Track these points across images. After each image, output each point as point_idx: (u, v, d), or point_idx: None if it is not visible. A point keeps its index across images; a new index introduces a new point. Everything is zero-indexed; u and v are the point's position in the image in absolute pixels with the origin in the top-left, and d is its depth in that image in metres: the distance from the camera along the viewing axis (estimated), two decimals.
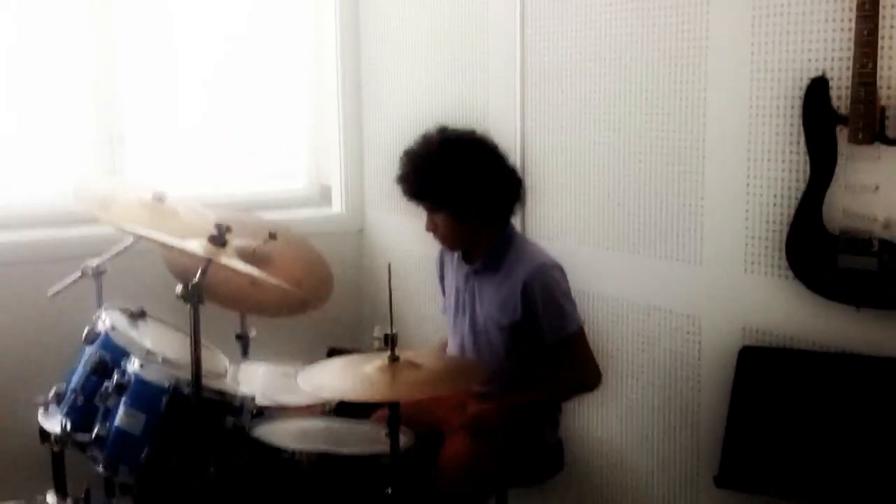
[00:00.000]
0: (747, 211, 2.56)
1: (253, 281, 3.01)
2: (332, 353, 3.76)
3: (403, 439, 2.40)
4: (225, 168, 4.01)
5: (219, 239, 2.36)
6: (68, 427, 2.50)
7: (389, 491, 2.35)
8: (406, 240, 3.77)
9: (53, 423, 2.56)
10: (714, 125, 2.63)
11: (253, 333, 3.29)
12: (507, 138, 3.00)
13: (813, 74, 2.32)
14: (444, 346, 2.96)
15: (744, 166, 2.55)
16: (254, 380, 3.04)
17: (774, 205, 2.49)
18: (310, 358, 3.32)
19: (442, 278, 2.96)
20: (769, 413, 2.29)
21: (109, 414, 2.49)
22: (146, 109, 3.77)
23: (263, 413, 2.72)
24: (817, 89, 2.30)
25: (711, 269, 2.67)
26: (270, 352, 3.32)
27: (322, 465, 2.46)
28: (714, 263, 2.67)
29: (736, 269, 2.60)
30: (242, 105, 4.03)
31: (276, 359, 3.24)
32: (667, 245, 2.79)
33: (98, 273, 2.95)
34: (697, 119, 2.67)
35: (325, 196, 4.20)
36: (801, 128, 2.35)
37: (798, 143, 2.40)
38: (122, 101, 3.69)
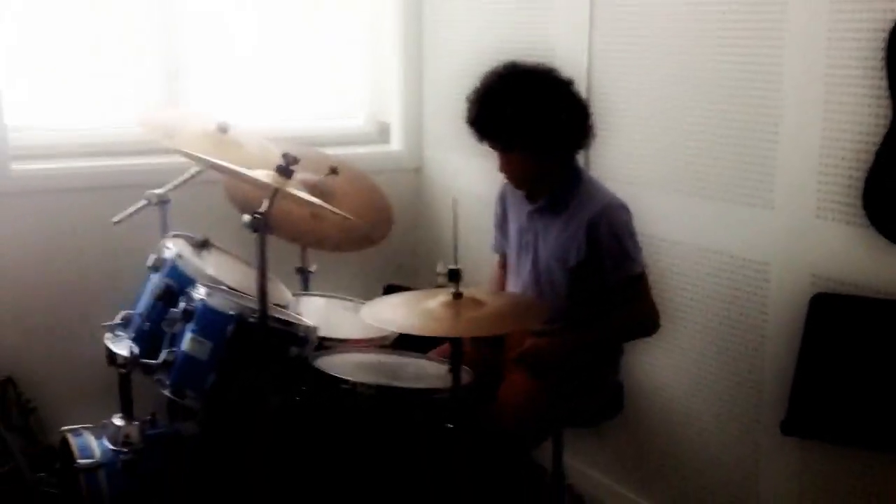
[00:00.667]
0: (821, 156, 2.49)
1: (314, 214, 3.03)
2: (389, 289, 3.80)
3: (463, 376, 2.41)
4: (283, 103, 4.00)
5: (286, 169, 2.35)
6: (136, 351, 2.54)
7: (449, 426, 2.36)
8: (464, 179, 3.75)
9: (121, 347, 2.60)
10: (791, 64, 2.55)
11: (313, 268, 3.32)
12: (572, 73, 2.94)
13: None
14: (496, 284, 2.94)
15: (820, 108, 2.47)
16: (312, 312, 3.07)
17: (851, 150, 2.42)
18: (367, 294, 3.36)
19: (503, 216, 2.92)
20: (839, 361, 2.25)
21: (176, 340, 2.52)
22: (206, 42, 3.76)
23: (324, 345, 2.74)
24: None
25: (782, 214, 2.62)
26: (329, 286, 3.35)
27: (381, 398, 2.48)
28: (785, 208, 2.61)
29: (807, 215, 2.54)
30: (302, 40, 4.00)
31: (334, 293, 3.27)
32: (737, 189, 2.74)
33: (162, 202, 2.97)
34: (774, 57, 2.58)
35: (382, 133, 4.17)
36: (884, 69, 2.27)
37: (879, 85, 2.33)
38: (182, 33, 3.68)
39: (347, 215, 2.51)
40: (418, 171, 4.11)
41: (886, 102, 2.29)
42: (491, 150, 2.71)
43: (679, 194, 2.92)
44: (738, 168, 2.73)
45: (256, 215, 2.25)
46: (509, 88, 2.60)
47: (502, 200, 2.92)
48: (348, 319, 3.09)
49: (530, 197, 2.77)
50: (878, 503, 2.47)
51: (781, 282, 2.64)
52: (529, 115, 2.58)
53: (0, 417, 3.22)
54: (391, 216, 3.24)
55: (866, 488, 2.50)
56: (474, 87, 2.67)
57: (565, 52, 3.23)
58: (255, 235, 2.33)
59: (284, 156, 2.37)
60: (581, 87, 3.11)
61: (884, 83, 2.28)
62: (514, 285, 2.85)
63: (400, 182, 3.93)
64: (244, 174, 2.36)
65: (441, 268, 2.39)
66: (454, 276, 2.34)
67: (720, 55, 2.74)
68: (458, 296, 2.34)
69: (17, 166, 3.36)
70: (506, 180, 2.79)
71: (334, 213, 2.46)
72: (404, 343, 2.90)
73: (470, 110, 2.66)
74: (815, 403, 2.25)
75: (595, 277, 2.65)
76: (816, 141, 2.50)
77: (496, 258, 3.02)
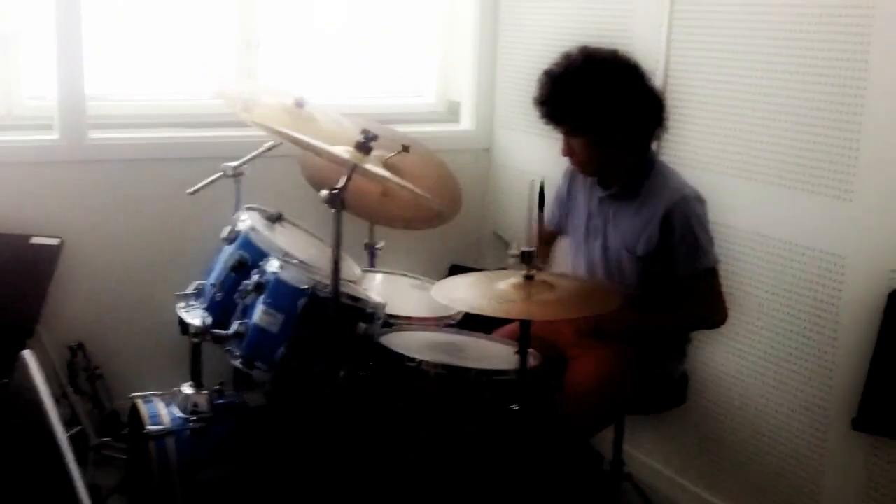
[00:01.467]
0: None
1: (385, 191, 3.04)
2: (455, 269, 3.81)
3: (531, 359, 2.41)
4: (355, 79, 4.01)
5: (365, 146, 2.36)
6: (208, 321, 2.58)
7: (515, 407, 2.36)
8: (533, 161, 3.73)
9: (193, 316, 2.64)
10: (878, 50, 2.48)
11: (381, 244, 3.34)
12: (650, 61, 2.90)
13: None
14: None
15: None
16: (378, 289, 3.09)
17: None
18: (432, 273, 3.37)
19: (568, 196, 2.89)
20: None
21: (247, 311, 2.55)
22: (282, 15, 3.79)
23: (390, 322, 2.76)
24: None
25: (861, 206, 2.56)
26: (395, 264, 3.37)
27: (447, 377, 2.49)
28: (865, 200, 2.55)
29: (888, 208, 2.49)
30: (376, 15, 4.01)
31: (401, 271, 3.28)
32: (815, 178, 2.68)
33: (237, 174, 3.00)
34: (860, 45, 2.52)
35: (452, 112, 4.17)
36: None
37: None
38: (258, 5, 3.72)
39: (423, 193, 2.51)
40: (488, 151, 4.10)
41: None
42: (559, 133, 2.69)
43: (754, 183, 2.87)
44: (817, 157, 2.68)
45: (334, 191, 2.27)
46: (581, 73, 2.58)
47: (569, 179, 2.89)
48: (414, 297, 3.10)
49: (602, 182, 2.74)
50: None
51: (857, 276, 2.59)
52: (597, 101, 2.55)
53: (69, 382, 3.29)
54: (460, 195, 3.23)
55: None
56: (546, 68, 2.65)
57: (643, 37, 3.19)
58: (328, 211, 2.35)
59: (364, 132, 2.38)
60: (658, 74, 3.08)
61: None
62: (577, 268, 2.83)
63: (469, 161, 3.93)
64: (325, 149, 2.38)
65: (514, 249, 2.39)
66: (527, 257, 2.33)
67: (803, 41, 2.68)
68: (529, 277, 2.34)
69: (94, 135, 3.42)
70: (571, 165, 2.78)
71: (411, 191, 2.46)
72: (471, 322, 2.91)
73: (539, 90, 2.65)
74: (888, 401, 2.21)
75: (665, 268, 2.62)
76: None
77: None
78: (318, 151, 2.43)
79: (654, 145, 2.75)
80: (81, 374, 3.35)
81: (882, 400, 2.22)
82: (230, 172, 2.98)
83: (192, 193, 2.99)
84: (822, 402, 2.73)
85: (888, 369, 2.24)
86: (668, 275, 2.63)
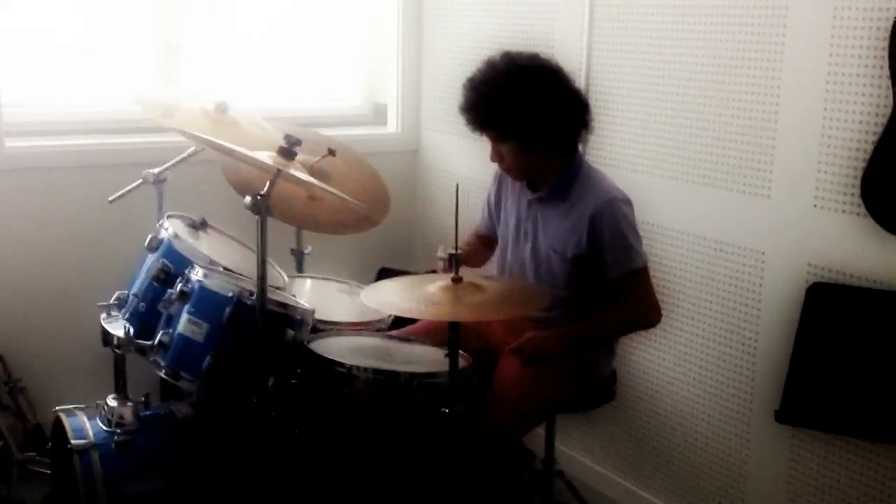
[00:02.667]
0: (821, 145, 2.50)
1: (311, 196, 3.02)
2: (384, 273, 3.80)
3: (461, 361, 2.41)
4: (279, 83, 3.98)
5: (288, 151, 2.34)
6: (131, 332, 2.53)
7: (445, 410, 2.36)
8: (461, 163, 3.74)
9: (116, 327, 2.59)
10: (792, 53, 2.55)
11: (308, 250, 3.31)
12: (572, 64, 2.93)
13: None
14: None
15: (821, 98, 2.48)
16: (307, 294, 3.07)
17: (850, 139, 2.43)
18: (361, 277, 3.36)
19: (498, 200, 2.91)
20: (834, 351, 2.27)
21: (172, 321, 2.51)
22: (204, 20, 3.73)
23: (319, 327, 2.74)
24: None
25: (780, 203, 2.63)
26: (324, 269, 3.35)
27: (378, 382, 2.48)
28: (783, 197, 2.62)
29: (805, 205, 2.55)
30: (298, 19, 3.97)
31: (328, 276, 3.27)
32: (735, 177, 2.74)
33: (159, 181, 2.96)
34: (775, 46, 2.59)
35: (379, 115, 4.16)
36: (887, 60, 2.27)
37: (880, 76, 2.33)
38: (179, 11, 3.66)
39: (349, 198, 2.49)
40: (415, 153, 4.10)
41: (887, 93, 2.30)
42: (485, 139, 2.70)
43: (676, 182, 2.92)
44: (736, 157, 2.74)
45: (258, 197, 2.24)
46: (504, 79, 2.58)
47: (498, 182, 2.91)
48: (343, 302, 3.09)
49: (531, 186, 2.76)
50: (865, 491, 2.49)
51: (777, 271, 2.65)
52: (522, 107, 2.56)
53: None
54: (388, 199, 3.22)
55: (854, 477, 2.52)
56: (470, 76, 2.65)
57: (564, 40, 3.22)
58: (253, 217, 2.32)
59: (287, 137, 2.36)
60: (581, 77, 3.11)
61: (885, 73, 2.29)
62: (509, 270, 2.85)
63: (396, 164, 3.92)
64: (247, 155, 2.35)
65: (441, 252, 2.39)
66: (454, 260, 2.33)
67: (721, 43, 2.74)
68: (457, 280, 2.34)
69: (11, 143, 3.33)
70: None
71: (336, 195, 2.44)
72: (401, 326, 2.91)
73: (463, 98, 2.65)
74: (810, 393, 2.27)
75: (595, 270, 2.65)
76: (816, 130, 2.50)
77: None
78: (240, 157, 2.40)
79: (579, 147, 2.78)
80: (3, 387, 3.26)
81: (803, 392, 2.28)
82: (151, 179, 2.94)
83: (113, 201, 2.94)
84: (745, 396, 2.79)
85: (808, 362, 2.29)
86: (598, 276, 2.65)
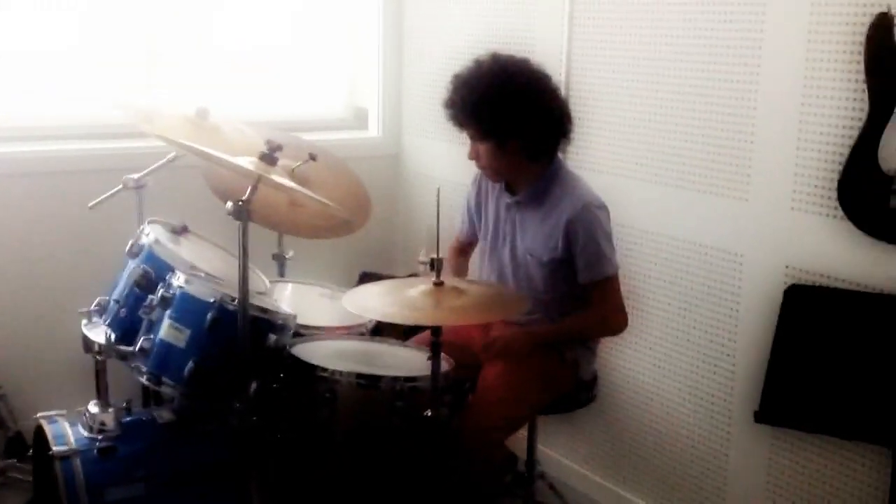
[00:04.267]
0: (798, 148, 2.52)
1: (292, 201, 3.02)
2: (365, 277, 3.80)
3: (443, 364, 2.42)
4: (260, 88, 3.97)
5: (270, 157, 2.34)
6: (112, 338, 2.52)
7: (428, 413, 2.37)
8: (442, 167, 3.75)
9: (97, 333, 2.58)
10: (769, 59, 2.58)
11: (290, 254, 3.31)
12: (552, 67, 2.94)
13: (877, 10, 2.27)
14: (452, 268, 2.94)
15: (798, 102, 2.51)
16: (288, 299, 3.07)
17: (827, 143, 2.46)
18: (343, 281, 3.36)
19: (478, 203, 2.92)
20: (813, 351, 2.29)
21: (153, 326, 2.51)
22: (184, 27, 3.73)
23: (301, 332, 2.74)
24: (881, 25, 2.25)
25: (757, 205, 2.65)
26: (306, 273, 3.35)
27: (360, 386, 2.48)
28: (760, 200, 2.64)
29: (782, 207, 2.58)
30: (279, 25, 3.97)
31: (310, 280, 3.27)
32: (712, 180, 2.77)
33: (139, 187, 2.95)
34: (752, 51, 2.61)
35: (359, 119, 4.16)
36: (862, 64, 2.30)
37: (856, 80, 2.36)
38: (160, 18, 3.65)
39: (331, 203, 2.50)
40: (396, 157, 4.10)
41: (863, 97, 2.33)
42: (467, 138, 2.71)
43: (654, 185, 2.95)
44: (713, 160, 2.76)
45: (239, 203, 2.24)
46: (490, 78, 2.60)
47: (478, 185, 2.92)
48: (325, 306, 3.09)
49: (509, 189, 2.78)
50: (843, 489, 2.52)
51: (755, 273, 2.68)
52: (505, 107, 2.58)
53: None
54: (369, 203, 3.23)
55: (832, 475, 2.55)
56: (456, 72, 2.67)
57: (544, 44, 3.24)
58: (234, 222, 2.32)
59: (268, 143, 2.36)
60: (560, 80, 3.13)
61: (861, 77, 2.32)
62: (487, 273, 2.86)
63: (377, 168, 3.92)
64: (228, 161, 2.35)
65: (423, 256, 2.40)
66: (436, 265, 2.34)
67: (699, 48, 2.76)
68: (439, 284, 2.35)
69: None
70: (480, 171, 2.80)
71: (317, 201, 2.45)
72: (383, 330, 2.91)
73: (448, 93, 2.67)
74: (788, 393, 2.29)
75: (568, 274, 2.67)
76: (793, 133, 2.53)
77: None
78: (222, 163, 2.40)
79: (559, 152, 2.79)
80: None
81: (782, 393, 2.29)
82: (132, 185, 2.93)
83: (93, 207, 2.93)
84: (725, 397, 2.82)
85: (787, 362, 2.31)
86: (571, 281, 2.67)
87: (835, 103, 2.43)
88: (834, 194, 2.40)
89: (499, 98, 2.58)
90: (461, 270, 3.00)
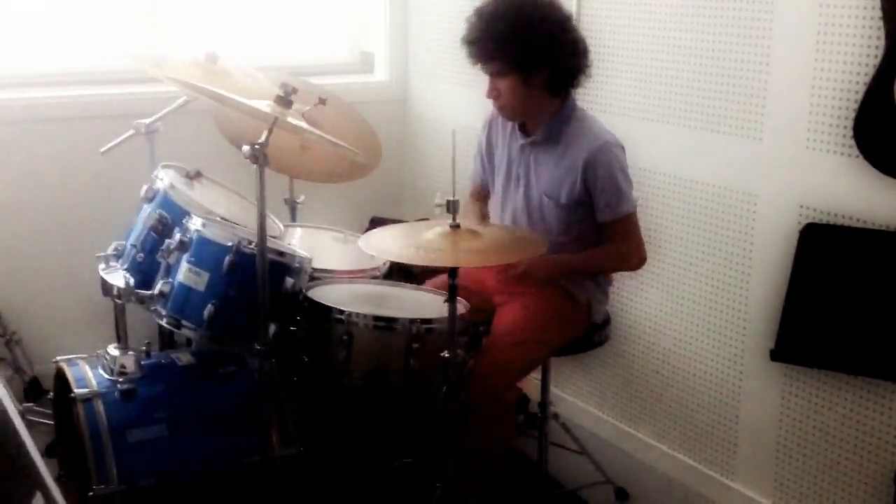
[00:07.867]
0: (813, 87, 2.51)
1: (304, 145, 3.01)
2: (375, 222, 3.81)
3: (459, 307, 2.43)
4: (265, 32, 3.94)
5: (285, 99, 2.33)
6: (132, 282, 2.54)
7: (445, 354, 2.39)
8: (450, 110, 3.74)
9: (115, 277, 2.59)
10: None
11: (301, 199, 3.31)
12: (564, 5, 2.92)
13: None
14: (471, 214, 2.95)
15: (813, 40, 2.49)
16: (301, 243, 3.07)
17: (843, 80, 2.44)
18: (353, 225, 3.37)
19: (489, 147, 2.90)
20: (828, 289, 2.30)
21: (171, 270, 2.52)
22: None
23: (315, 276, 2.75)
24: None
25: (772, 145, 2.65)
26: (316, 218, 3.35)
27: (377, 328, 2.50)
28: (775, 140, 2.64)
29: (797, 146, 2.58)
30: None
31: (323, 224, 3.27)
32: (726, 120, 2.76)
33: (150, 132, 2.94)
34: None
35: (366, 63, 4.13)
36: (878, 1, 2.29)
37: (872, 17, 2.34)
38: None
39: (346, 145, 2.49)
40: (403, 101, 4.08)
41: (879, 34, 2.31)
42: (483, 75, 2.69)
43: (668, 125, 2.94)
44: (727, 100, 2.75)
45: (256, 146, 2.24)
46: (511, 12, 2.57)
47: (488, 130, 2.90)
48: (338, 250, 3.10)
49: (522, 129, 2.77)
50: (854, 426, 2.56)
51: (769, 213, 2.68)
52: (527, 40, 2.55)
53: None
54: (380, 147, 3.22)
55: (843, 413, 2.58)
56: (477, 7, 2.64)
57: None
58: (246, 166, 2.32)
59: (283, 86, 2.35)
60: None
61: (877, 14, 2.30)
62: (501, 216, 2.86)
63: (385, 113, 3.89)
64: (245, 104, 2.34)
65: (439, 199, 2.39)
66: (452, 207, 2.34)
67: None
68: (455, 227, 2.35)
69: (1, 95, 3.30)
70: (496, 111, 2.78)
71: (332, 143, 2.44)
72: (397, 273, 2.93)
73: (468, 30, 2.64)
74: (805, 331, 2.30)
75: (587, 214, 2.67)
76: (808, 72, 2.52)
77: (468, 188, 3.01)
78: (238, 107, 2.39)
79: (573, 92, 2.78)
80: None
81: (798, 331, 2.31)
82: (143, 130, 2.92)
83: (105, 152, 2.92)
84: (737, 336, 2.84)
85: (803, 301, 2.32)
86: (590, 220, 2.68)
87: (851, 40, 2.41)
88: (849, 133, 2.40)
89: (528, 25, 2.55)
90: (483, 215, 3.00)
